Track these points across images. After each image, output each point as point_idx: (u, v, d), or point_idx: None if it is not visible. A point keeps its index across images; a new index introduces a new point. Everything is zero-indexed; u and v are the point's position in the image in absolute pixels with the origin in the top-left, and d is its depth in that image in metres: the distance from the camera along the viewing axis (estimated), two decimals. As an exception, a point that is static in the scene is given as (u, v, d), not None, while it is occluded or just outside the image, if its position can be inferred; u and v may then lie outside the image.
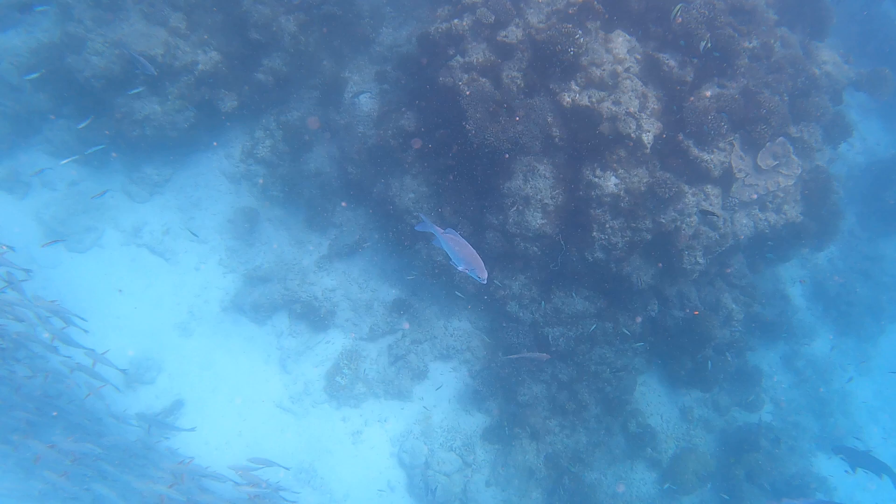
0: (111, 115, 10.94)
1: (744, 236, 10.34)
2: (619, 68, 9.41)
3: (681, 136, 9.43)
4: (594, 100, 9.27)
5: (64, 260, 11.27)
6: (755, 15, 10.13)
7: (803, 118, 10.27)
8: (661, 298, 10.98)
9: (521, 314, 10.73)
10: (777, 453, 11.96)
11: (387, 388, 11.38)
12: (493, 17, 9.61)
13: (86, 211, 11.52)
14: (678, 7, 9.09)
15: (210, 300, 11.63)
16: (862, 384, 14.07)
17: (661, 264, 10.19)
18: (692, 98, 9.49)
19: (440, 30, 10.02)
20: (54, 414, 9.49)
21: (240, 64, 11.41)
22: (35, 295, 9.39)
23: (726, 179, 9.86)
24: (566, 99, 9.35)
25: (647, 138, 9.19)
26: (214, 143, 11.85)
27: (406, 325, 11.49)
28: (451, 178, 10.42)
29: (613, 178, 9.41)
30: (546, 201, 9.76)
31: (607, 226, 9.54)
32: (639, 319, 10.77)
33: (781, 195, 10.34)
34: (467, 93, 9.48)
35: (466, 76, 9.71)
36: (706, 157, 9.43)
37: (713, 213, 9.55)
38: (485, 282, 6.58)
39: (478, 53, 9.78)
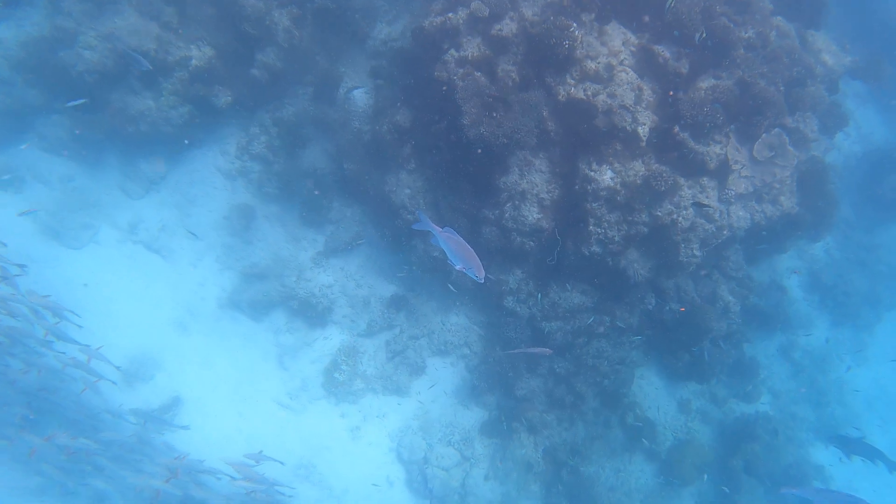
0: (105, 111, 10.86)
1: (740, 228, 10.34)
2: (614, 61, 9.37)
3: (676, 129, 9.39)
4: (589, 93, 9.23)
5: (60, 257, 11.23)
6: (751, 4, 10.08)
7: (799, 108, 10.24)
8: (658, 291, 10.98)
9: (518, 309, 10.72)
10: (775, 444, 12.02)
11: (385, 383, 11.40)
12: (488, 11, 9.55)
13: (82, 207, 11.46)
14: (672, -3, 9.05)
15: (207, 297, 11.60)
16: (859, 373, 14.13)
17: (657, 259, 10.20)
18: (688, 90, 9.45)
19: (434, 24, 9.95)
20: (49, 408, 9.49)
21: (234, 59, 11.33)
22: (29, 290, 9.35)
23: (722, 171, 9.84)
24: (561, 92, 9.32)
25: (643, 131, 9.16)
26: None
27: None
28: (447, 173, 10.38)
29: (609, 171, 9.38)
30: (542, 196, 9.74)
31: (604, 219, 9.52)
32: (635, 314, 10.78)
33: (777, 186, 10.33)
34: (461, 86, 9.43)
35: (461, 70, 9.65)
36: (702, 149, 9.40)
37: (706, 205, 9.54)
38: (482, 281, 6.65)
39: (472, 47, 9.71)
